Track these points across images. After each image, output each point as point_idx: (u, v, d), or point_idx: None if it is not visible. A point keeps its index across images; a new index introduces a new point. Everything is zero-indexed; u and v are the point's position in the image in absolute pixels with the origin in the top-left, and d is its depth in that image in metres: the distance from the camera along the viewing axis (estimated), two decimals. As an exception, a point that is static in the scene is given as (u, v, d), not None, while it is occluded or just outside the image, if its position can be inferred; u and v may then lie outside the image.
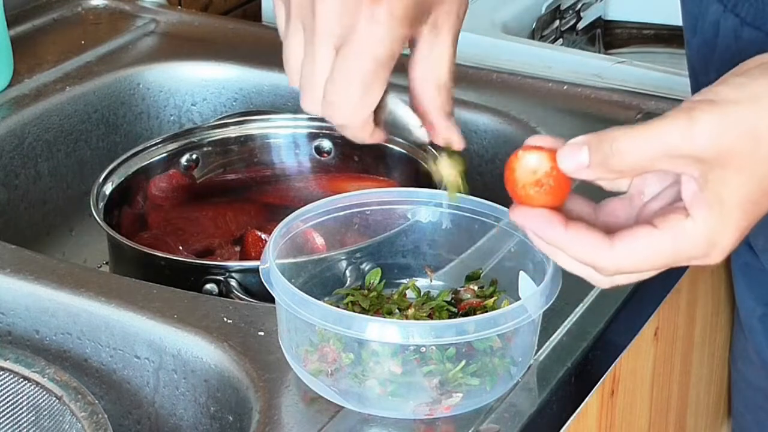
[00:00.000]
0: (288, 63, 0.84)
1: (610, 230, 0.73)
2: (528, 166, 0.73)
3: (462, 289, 0.94)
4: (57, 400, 0.85)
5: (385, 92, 0.83)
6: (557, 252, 0.74)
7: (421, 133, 0.85)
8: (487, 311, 0.90)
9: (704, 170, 0.70)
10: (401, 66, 0.84)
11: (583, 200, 0.77)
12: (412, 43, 0.83)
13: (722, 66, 1.01)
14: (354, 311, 0.91)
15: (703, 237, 0.71)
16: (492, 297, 0.92)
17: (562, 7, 1.63)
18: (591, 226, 0.73)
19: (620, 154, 0.71)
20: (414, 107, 0.85)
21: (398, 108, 0.85)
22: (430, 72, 0.83)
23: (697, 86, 1.09)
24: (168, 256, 1.08)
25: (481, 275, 0.95)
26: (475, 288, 0.93)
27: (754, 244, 1.10)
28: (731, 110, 0.70)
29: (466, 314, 0.91)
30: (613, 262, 0.72)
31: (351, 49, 0.80)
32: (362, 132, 0.84)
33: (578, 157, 0.72)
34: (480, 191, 0.99)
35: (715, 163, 0.70)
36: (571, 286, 0.95)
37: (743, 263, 1.14)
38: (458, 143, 0.85)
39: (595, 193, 0.77)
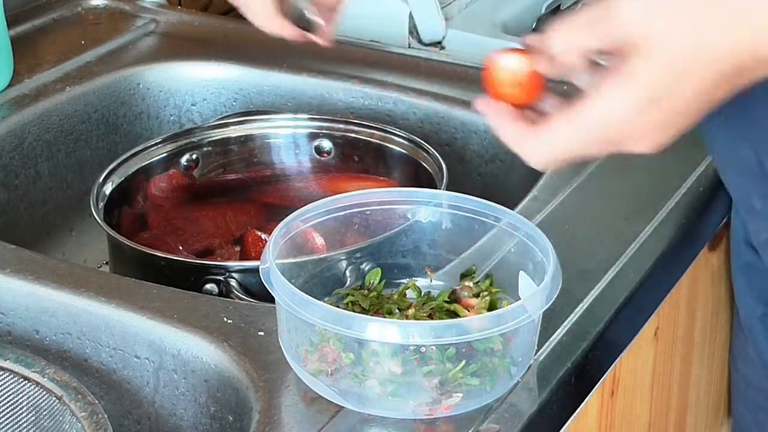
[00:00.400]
0: None
1: None
2: (504, 65, 0.83)
3: (458, 288, 0.94)
4: (57, 400, 0.85)
5: None
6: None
7: (316, 23, 1.01)
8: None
9: (623, 46, 0.74)
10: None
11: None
12: None
13: None
14: (354, 311, 0.91)
15: (611, 104, 0.76)
16: (487, 291, 0.92)
17: (562, 7, 1.63)
18: (523, 118, 0.82)
19: (550, 38, 0.79)
20: None
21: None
22: None
23: None
24: (168, 256, 1.08)
25: (476, 271, 0.95)
26: (471, 285, 0.93)
27: (754, 240, 1.10)
28: None
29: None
30: (536, 147, 0.81)
31: None
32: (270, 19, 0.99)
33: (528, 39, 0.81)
34: (480, 191, 0.99)
35: (635, 38, 0.74)
36: (571, 286, 0.96)
37: (743, 263, 1.14)
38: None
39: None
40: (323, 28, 1.02)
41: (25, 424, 0.88)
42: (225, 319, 0.94)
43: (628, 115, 0.76)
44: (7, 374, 0.87)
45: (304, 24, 1.01)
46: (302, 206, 0.95)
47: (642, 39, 0.74)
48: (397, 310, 0.92)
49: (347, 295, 0.94)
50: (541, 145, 0.80)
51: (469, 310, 0.91)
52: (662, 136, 0.77)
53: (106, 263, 1.23)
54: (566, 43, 0.78)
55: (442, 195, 0.98)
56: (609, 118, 0.76)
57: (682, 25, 0.74)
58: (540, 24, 1.57)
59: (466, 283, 0.94)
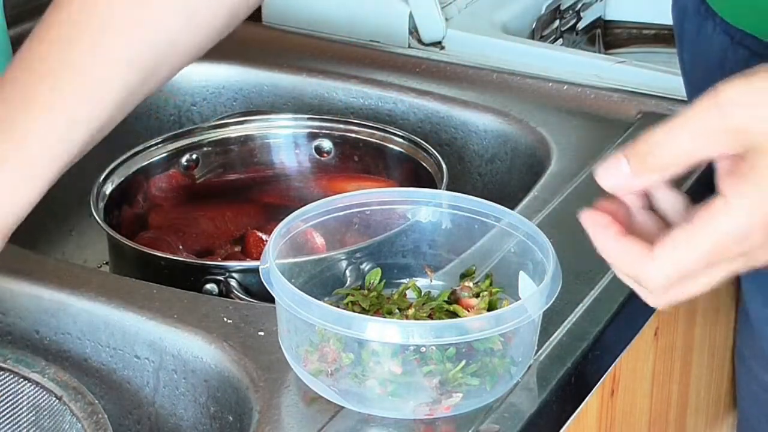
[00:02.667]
0: None
1: None
2: None
3: (458, 288, 0.94)
4: (57, 400, 0.85)
5: None
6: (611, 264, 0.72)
7: None
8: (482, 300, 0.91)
9: (744, 140, 0.67)
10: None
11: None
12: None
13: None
14: (354, 311, 0.91)
15: (743, 212, 0.67)
16: (487, 291, 0.92)
17: (562, 7, 1.63)
18: (637, 239, 0.69)
19: (658, 148, 0.68)
20: None
21: None
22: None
23: (689, 86, 1.10)
24: (168, 256, 1.08)
25: (476, 271, 0.95)
26: (471, 285, 0.93)
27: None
28: (755, 78, 0.67)
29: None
30: (657, 272, 0.69)
31: None
32: None
33: (619, 169, 0.70)
34: (480, 191, 0.99)
35: (752, 132, 0.67)
36: (571, 286, 0.96)
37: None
38: None
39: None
40: None
41: (25, 424, 0.88)
42: (225, 319, 0.94)
43: (762, 219, 0.67)
44: (7, 374, 0.87)
45: None
46: (302, 206, 0.95)
47: (764, 137, 0.67)
48: (397, 310, 0.92)
49: (347, 295, 0.94)
50: (662, 265, 0.69)
51: (469, 311, 0.91)
52: None
53: (106, 263, 1.23)
54: (680, 156, 0.68)
55: (442, 195, 0.98)
56: (743, 227, 0.67)
57: None
58: (540, 24, 1.57)
59: (466, 283, 0.94)
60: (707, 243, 0.68)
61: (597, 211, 0.72)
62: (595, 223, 0.71)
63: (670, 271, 0.69)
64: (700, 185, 1.14)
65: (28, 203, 0.86)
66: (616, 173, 0.70)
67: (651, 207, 0.73)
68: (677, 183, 0.80)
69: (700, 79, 1.06)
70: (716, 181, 0.69)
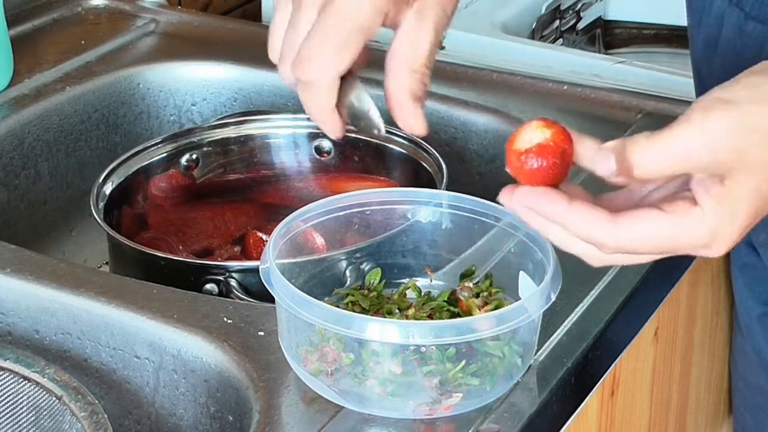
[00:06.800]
0: (272, 37, 0.85)
1: None
2: (529, 136, 0.74)
3: (458, 288, 0.94)
4: (57, 400, 0.85)
5: (353, 80, 0.83)
6: (552, 228, 0.75)
7: (378, 124, 0.84)
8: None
9: (721, 170, 0.71)
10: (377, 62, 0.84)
11: (580, 189, 0.77)
12: (395, 26, 0.83)
13: (726, 61, 1.01)
14: (354, 311, 0.91)
15: (707, 227, 0.72)
16: (487, 291, 0.92)
17: (562, 7, 1.63)
18: (593, 204, 0.74)
19: (643, 167, 0.72)
20: (385, 89, 0.83)
21: (362, 96, 0.84)
22: (406, 54, 0.82)
23: (701, 83, 1.09)
24: (168, 256, 1.08)
25: (476, 271, 0.95)
26: (471, 285, 0.93)
27: (754, 240, 1.10)
28: (746, 112, 0.71)
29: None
30: (615, 239, 0.73)
31: (333, 8, 0.80)
32: (327, 108, 0.83)
33: (604, 164, 0.73)
34: (480, 191, 0.99)
35: (732, 164, 0.71)
36: (571, 286, 0.96)
37: (743, 263, 1.15)
38: (420, 128, 0.83)
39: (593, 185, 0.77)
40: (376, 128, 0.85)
41: (25, 424, 0.88)
42: (225, 319, 0.94)
43: (729, 232, 0.73)
44: (7, 374, 0.87)
45: (361, 123, 0.85)
46: (302, 206, 0.95)
47: (738, 163, 0.71)
48: (397, 310, 0.92)
49: (347, 295, 0.94)
50: (621, 235, 0.73)
51: (468, 311, 0.91)
52: (731, 244, 0.74)
53: (106, 263, 1.23)
54: (662, 175, 0.73)
55: (442, 195, 0.98)
56: (705, 228, 0.72)
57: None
58: (540, 24, 1.57)
59: (466, 284, 0.94)
60: (668, 232, 0.73)
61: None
62: (535, 196, 0.74)
63: (627, 241, 0.73)
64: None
65: None
66: (601, 166, 0.73)
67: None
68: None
69: (701, 42, 1.06)
70: (692, 184, 0.73)
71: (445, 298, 0.93)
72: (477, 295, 0.92)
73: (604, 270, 1.01)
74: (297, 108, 1.34)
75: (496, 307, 0.90)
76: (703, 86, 1.08)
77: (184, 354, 0.93)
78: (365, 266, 1.00)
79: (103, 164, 1.20)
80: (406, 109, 0.82)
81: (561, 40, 1.65)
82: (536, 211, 0.74)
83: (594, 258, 0.76)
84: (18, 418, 0.88)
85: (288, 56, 0.83)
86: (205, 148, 1.25)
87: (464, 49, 1.39)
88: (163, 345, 0.94)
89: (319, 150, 1.27)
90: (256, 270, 0.90)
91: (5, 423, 0.88)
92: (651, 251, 0.74)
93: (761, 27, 0.98)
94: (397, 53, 0.83)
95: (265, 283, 0.87)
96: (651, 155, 0.72)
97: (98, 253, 1.27)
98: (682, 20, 1.12)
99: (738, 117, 0.71)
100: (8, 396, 0.88)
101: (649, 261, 0.77)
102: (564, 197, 0.73)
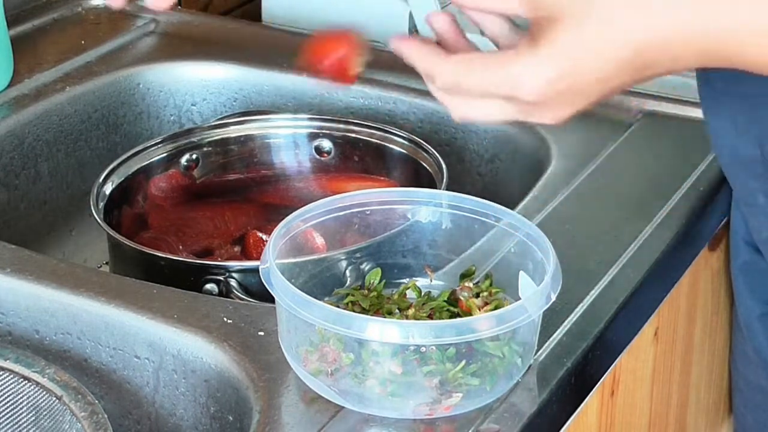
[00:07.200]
0: None
1: None
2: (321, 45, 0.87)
3: (458, 288, 0.94)
4: (57, 400, 0.85)
5: None
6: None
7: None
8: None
9: (536, 15, 0.77)
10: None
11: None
12: None
13: None
14: (354, 311, 0.91)
15: (518, 66, 0.77)
16: (487, 291, 0.92)
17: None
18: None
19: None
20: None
21: None
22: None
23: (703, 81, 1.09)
24: (168, 256, 1.08)
25: (476, 271, 0.95)
26: (471, 285, 0.93)
27: (756, 238, 1.10)
28: None
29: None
30: (450, 71, 0.80)
31: None
32: None
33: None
34: (480, 191, 0.99)
35: (547, 11, 0.77)
36: (571, 286, 0.96)
37: (743, 262, 1.14)
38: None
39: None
40: None
41: (25, 424, 0.88)
42: (225, 319, 0.94)
43: (538, 81, 0.77)
44: (7, 374, 0.87)
45: None
46: (302, 206, 0.95)
47: (563, 14, 0.76)
48: (397, 310, 0.92)
49: (347, 295, 0.94)
50: (455, 68, 0.80)
51: (468, 311, 0.91)
52: (565, 110, 0.79)
53: (106, 263, 1.23)
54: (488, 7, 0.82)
55: (442, 195, 0.98)
56: (523, 78, 0.78)
57: (600, 10, 0.76)
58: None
59: (466, 284, 0.94)
60: (494, 70, 0.79)
61: None
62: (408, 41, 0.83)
63: (461, 74, 0.80)
64: (700, 184, 1.14)
65: None
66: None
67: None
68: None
69: None
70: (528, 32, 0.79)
71: (445, 298, 0.93)
72: (477, 295, 0.92)
73: (604, 270, 1.01)
74: (297, 108, 1.35)
75: (496, 307, 0.90)
76: (705, 84, 1.08)
77: (184, 354, 0.93)
78: (365, 266, 1.00)
79: (103, 164, 1.20)
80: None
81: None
82: (406, 54, 0.83)
83: (448, 103, 0.82)
84: (18, 418, 0.88)
85: None
86: (205, 148, 1.25)
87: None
88: (163, 345, 0.94)
89: (319, 150, 1.27)
90: (256, 270, 0.90)
91: (5, 423, 0.88)
92: (481, 89, 0.79)
93: None
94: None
95: (265, 283, 0.87)
96: None
97: (98, 253, 1.27)
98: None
99: None
100: (8, 396, 0.88)
101: (493, 117, 0.81)
102: (420, 44, 0.82)
